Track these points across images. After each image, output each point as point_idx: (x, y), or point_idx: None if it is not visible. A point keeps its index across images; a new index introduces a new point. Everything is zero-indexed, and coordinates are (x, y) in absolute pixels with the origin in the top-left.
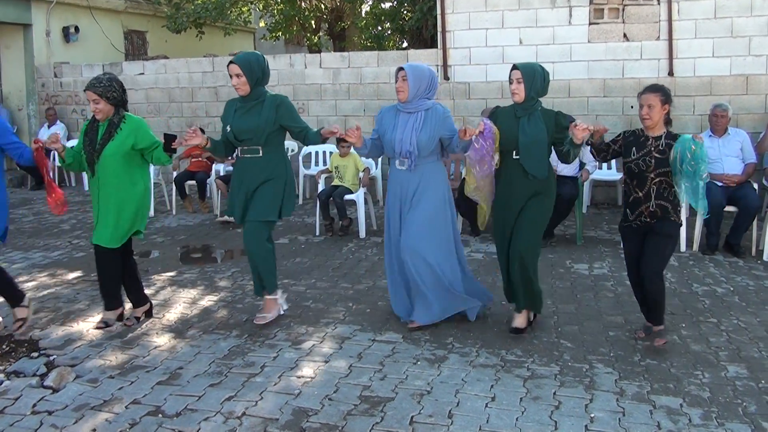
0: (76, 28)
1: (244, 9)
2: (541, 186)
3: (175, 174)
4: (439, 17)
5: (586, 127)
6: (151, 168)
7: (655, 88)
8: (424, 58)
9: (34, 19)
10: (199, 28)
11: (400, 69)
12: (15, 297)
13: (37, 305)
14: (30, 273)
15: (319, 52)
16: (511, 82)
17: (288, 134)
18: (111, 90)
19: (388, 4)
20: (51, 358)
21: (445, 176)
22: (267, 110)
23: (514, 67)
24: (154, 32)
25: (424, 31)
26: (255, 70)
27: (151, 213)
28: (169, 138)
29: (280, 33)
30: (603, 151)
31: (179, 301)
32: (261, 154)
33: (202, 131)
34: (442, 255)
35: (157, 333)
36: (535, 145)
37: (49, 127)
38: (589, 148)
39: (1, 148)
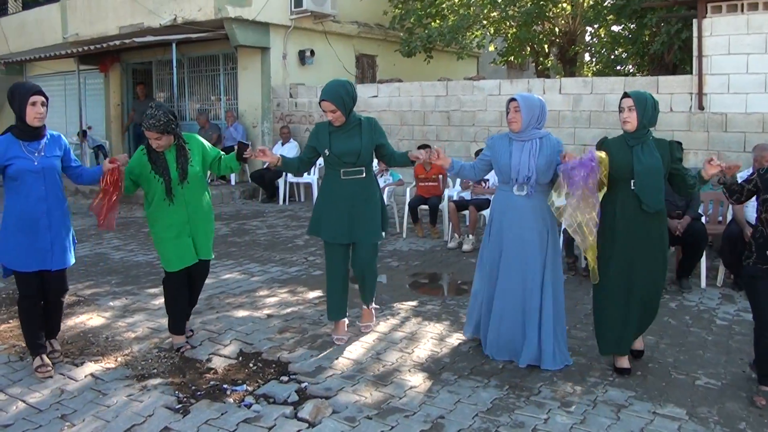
0: (312, 52)
1: (478, 33)
2: (658, 221)
3: (408, 198)
4: (695, 41)
5: (719, 164)
6: (386, 190)
7: None
8: (676, 86)
9: (272, 43)
10: (428, 53)
11: (512, 100)
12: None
13: (282, 324)
14: (270, 287)
15: (548, 77)
16: (621, 110)
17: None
18: (171, 125)
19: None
20: (303, 385)
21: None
22: (367, 132)
23: (625, 94)
24: (384, 56)
25: (666, 56)
26: (347, 102)
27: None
28: (243, 146)
29: (512, 57)
30: (736, 192)
31: (426, 336)
32: (364, 175)
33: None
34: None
35: (409, 370)
36: (652, 173)
37: (282, 144)
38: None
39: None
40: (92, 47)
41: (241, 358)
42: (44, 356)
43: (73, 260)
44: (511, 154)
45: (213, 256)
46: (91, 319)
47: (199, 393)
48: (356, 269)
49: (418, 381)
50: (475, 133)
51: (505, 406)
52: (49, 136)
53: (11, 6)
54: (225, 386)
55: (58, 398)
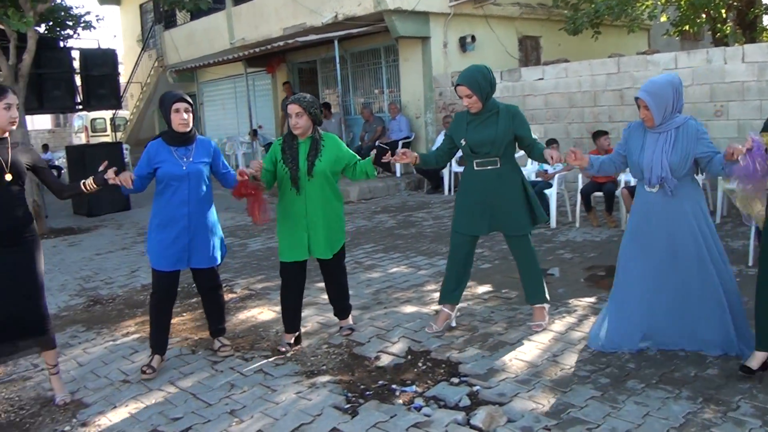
0: (473, 38)
1: (649, 3)
2: None
3: (581, 184)
4: None
5: None
6: (556, 177)
7: None
8: None
9: (432, 32)
10: (595, 28)
11: (637, 98)
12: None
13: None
14: (438, 281)
15: (726, 45)
16: None
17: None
18: (314, 106)
19: None
20: (474, 389)
21: (700, 193)
22: (503, 121)
23: None
24: (548, 36)
25: None
26: (483, 86)
27: (553, 224)
28: (381, 150)
29: (686, 27)
30: None
31: None
32: (499, 165)
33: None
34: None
35: (590, 376)
36: None
37: (446, 134)
38: None
39: (213, 172)
40: (258, 50)
41: (409, 357)
42: (156, 357)
43: (218, 261)
44: (643, 149)
45: (330, 257)
46: (261, 314)
47: (367, 393)
48: (518, 264)
49: (600, 388)
50: None
51: (700, 423)
52: (198, 142)
53: (179, 18)
54: (394, 386)
55: (228, 393)
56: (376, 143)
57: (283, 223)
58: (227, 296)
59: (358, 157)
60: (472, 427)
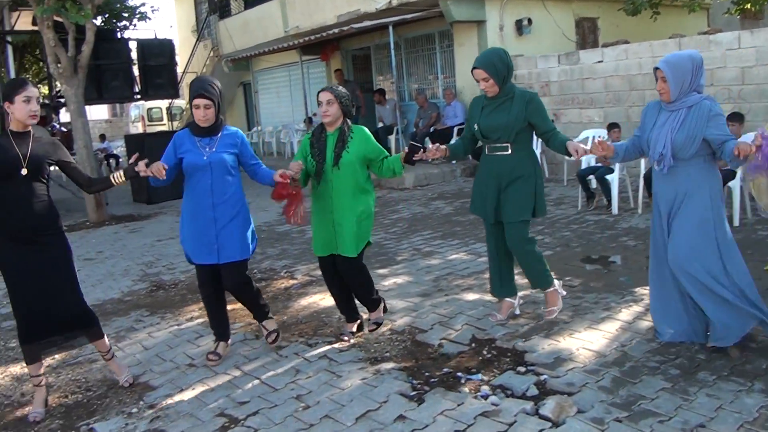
0: (529, 21)
1: None
2: None
3: (643, 169)
4: None
5: None
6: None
7: None
8: None
9: (488, 16)
10: (654, 8)
11: (657, 68)
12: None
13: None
14: None
15: None
16: None
17: None
18: (344, 96)
19: None
20: (542, 378)
21: (715, 178)
22: (517, 106)
23: None
24: (605, 17)
25: None
26: (500, 69)
27: (615, 211)
28: (414, 149)
29: (748, 5)
30: None
31: None
32: (510, 152)
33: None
34: (716, 266)
35: (659, 367)
36: None
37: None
38: None
39: (240, 165)
40: (312, 37)
41: (473, 345)
42: (221, 344)
43: (248, 254)
44: (654, 126)
45: (355, 255)
46: (323, 300)
47: (432, 380)
48: (513, 253)
49: (670, 380)
50: (715, 92)
51: None
52: (224, 132)
53: (234, 7)
54: (459, 374)
55: (293, 378)
56: (417, 137)
57: (313, 217)
58: (288, 282)
59: (387, 153)
60: (541, 417)
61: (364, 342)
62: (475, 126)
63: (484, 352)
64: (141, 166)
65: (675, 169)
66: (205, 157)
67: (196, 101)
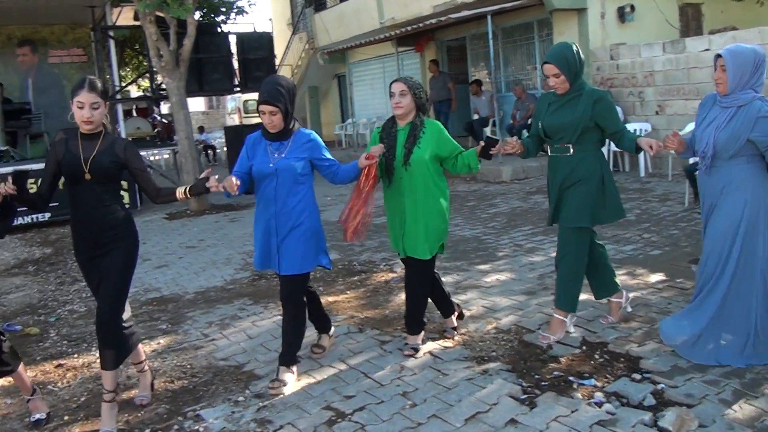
0: (632, 7)
1: None
2: None
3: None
4: None
5: None
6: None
7: None
8: None
9: (589, 3)
10: None
11: (719, 56)
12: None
13: (626, 311)
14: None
15: None
16: None
17: None
18: (417, 88)
19: None
20: (659, 387)
21: (758, 181)
22: (583, 105)
23: None
24: (710, 3)
25: None
26: (572, 64)
27: None
28: (491, 142)
29: None
30: None
31: None
32: (572, 153)
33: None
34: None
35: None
36: None
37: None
38: None
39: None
40: (408, 28)
41: (584, 348)
42: (324, 336)
43: (308, 268)
44: (702, 122)
45: (428, 257)
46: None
47: (543, 384)
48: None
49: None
50: None
51: None
52: (295, 136)
53: (329, 0)
54: (571, 378)
55: (399, 374)
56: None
57: (387, 218)
58: (388, 275)
59: (461, 148)
60: (660, 429)
61: (469, 340)
62: (540, 124)
63: (596, 356)
64: (212, 182)
65: (715, 168)
66: (271, 164)
67: (262, 107)
